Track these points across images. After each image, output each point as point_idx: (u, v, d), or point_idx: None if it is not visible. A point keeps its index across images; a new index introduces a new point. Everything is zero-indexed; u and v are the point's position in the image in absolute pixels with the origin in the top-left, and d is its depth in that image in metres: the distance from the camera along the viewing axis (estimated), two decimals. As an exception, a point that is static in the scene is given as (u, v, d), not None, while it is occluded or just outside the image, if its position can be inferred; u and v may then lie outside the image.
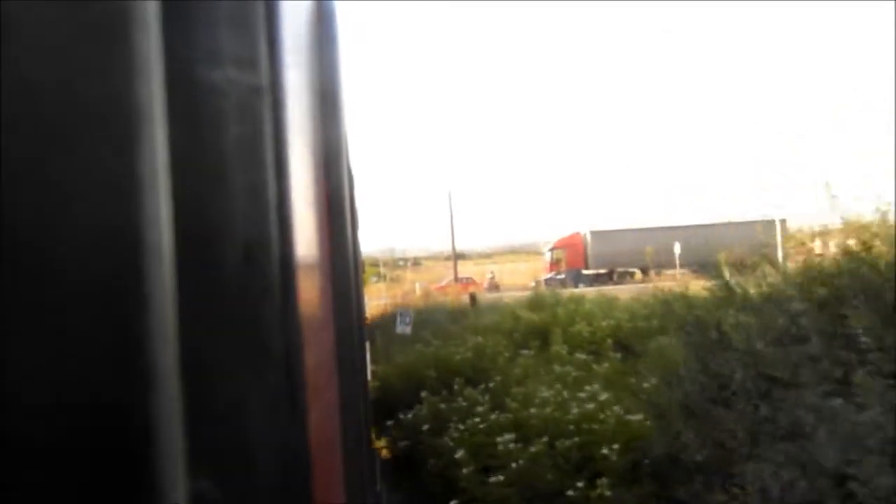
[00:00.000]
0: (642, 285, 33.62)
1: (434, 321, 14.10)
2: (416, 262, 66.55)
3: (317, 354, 0.79)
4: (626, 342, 9.52)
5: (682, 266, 39.33)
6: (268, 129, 0.46)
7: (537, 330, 11.56)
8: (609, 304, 14.29)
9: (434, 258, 77.30)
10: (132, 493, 0.31)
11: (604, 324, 11.15)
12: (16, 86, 0.29)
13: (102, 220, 0.31)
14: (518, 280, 47.63)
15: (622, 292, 21.50)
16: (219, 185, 0.42)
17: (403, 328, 10.57)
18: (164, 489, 0.32)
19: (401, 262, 58.79)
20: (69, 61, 0.30)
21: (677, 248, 34.95)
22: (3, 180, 0.29)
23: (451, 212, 26.44)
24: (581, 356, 7.78)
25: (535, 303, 16.89)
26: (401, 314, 10.54)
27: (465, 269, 59.91)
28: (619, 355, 7.85)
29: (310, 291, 0.74)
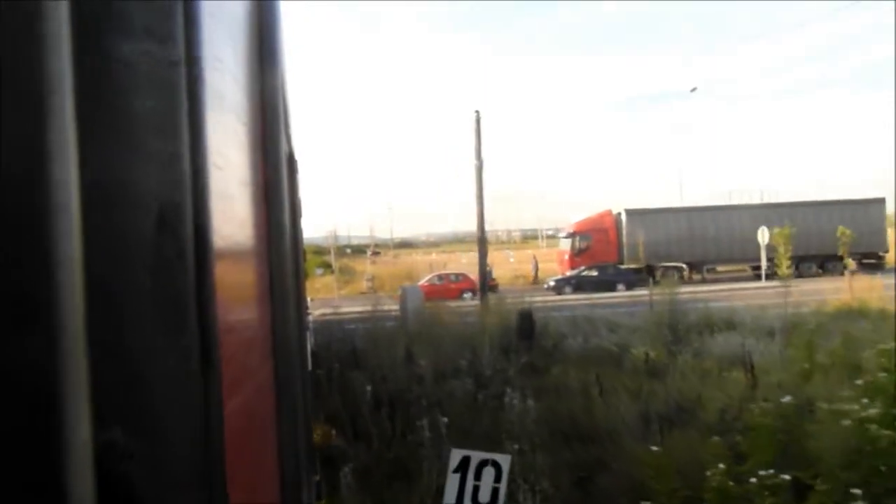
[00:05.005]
0: (726, 287, 23.76)
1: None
2: (376, 252, 58.59)
3: (249, 337, 0.87)
4: None
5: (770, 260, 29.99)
6: (183, 101, 0.50)
7: None
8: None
9: (384, 246, 71.16)
10: (40, 440, 0.36)
11: None
12: None
13: (10, 180, 0.35)
14: (510, 275, 38.62)
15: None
16: (132, 153, 0.47)
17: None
18: (69, 440, 0.37)
19: (348, 250, 50.81)
20: None
21: (763, 235, 26.09)
22: None
23: (480, 181, 16.24)
24: None
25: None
26: None
27: (417, 259, 51.82)
28: None
29: (242, 278, 0.82)
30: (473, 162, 20.96)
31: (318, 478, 4.41)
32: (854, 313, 14.64)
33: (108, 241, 0.45)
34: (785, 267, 11.07)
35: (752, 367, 7.93)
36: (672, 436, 6.64)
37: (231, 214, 0.74)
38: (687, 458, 5.86)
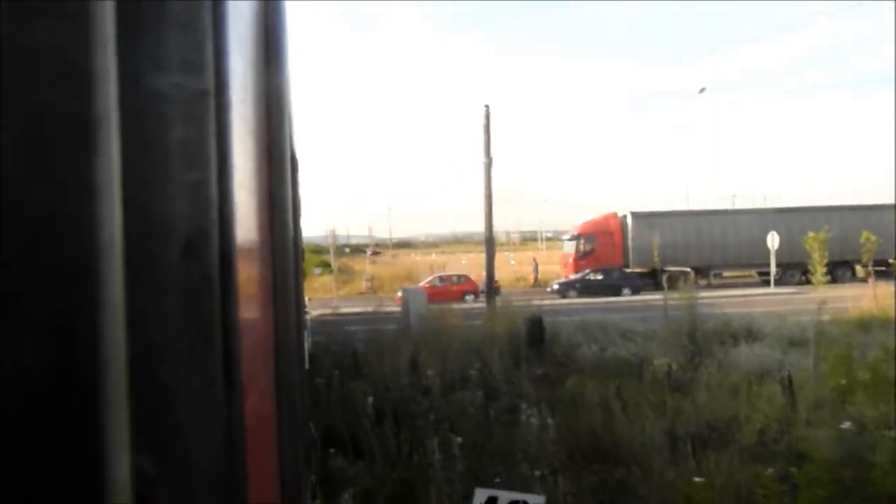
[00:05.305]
0: (737, 293, 23.31)
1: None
2: (377, 252, 59.16)
3: (254, 339, 0.89)
4: None
5: (789, 265, 29.87)
6: (211, 130, 0.53)
7: None
8: None
9: (382, 246, 72.60)
10: (80, 468, 0.37)
11: None
12: None
13: (60, 218, 0.37)
14: (511, 277, 38.16)
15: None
16: (163, 183, 0.50)
17: None
18: (110, 466, 0.37)
19: (347, 250, 51.26)
20: (35, 74, 0.37)
21: (773, 240, 25.86)
22: None
23: (489, 179, 15.61)
24: None
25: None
26: None
27: (416, 260, 52.14)
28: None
29: (248, 281, 0.84)
30: (482, 159, 20.41)
31: (313, 477, 4.42)
32: (880, 323, 14.31)
33: (138, 268, 0.47)
34: (820, 274, 10.53)
35: (791, 383, 7.35)
36: (707, 459, 6.03)
37: (246, 231, 0.77)
38: (730, 489, 5.25)
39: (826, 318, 14.15)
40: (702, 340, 12.36)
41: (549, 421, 7.28)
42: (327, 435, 7.37)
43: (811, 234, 11.00)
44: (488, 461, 6.66)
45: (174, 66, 0.49)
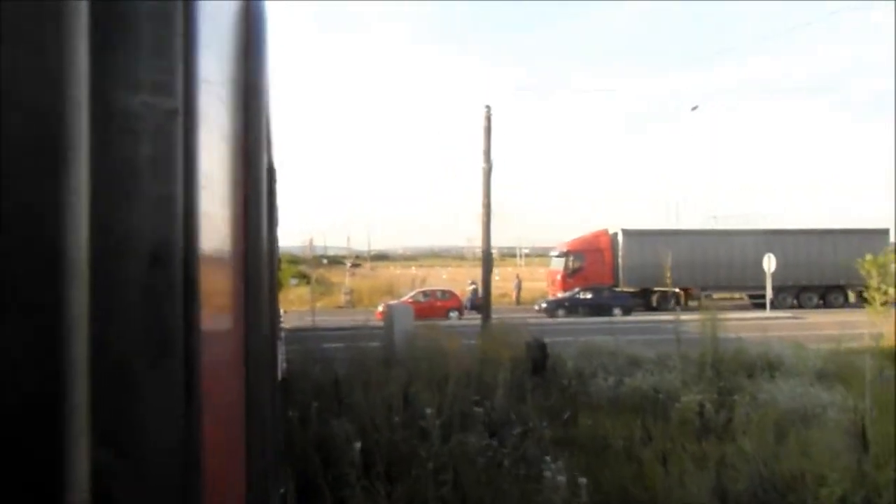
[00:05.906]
0: (736, 316, 21.99)
1: None
2: (357, 264, 57.90)
3: (221, 349, 0.91)
4: None
5: (781, 288, 29.06)
6: (179, 148, 0.57)
7: None
8: None
9: (362, 258, 72.56)
10: (44, 464, 0.40)
11: None
12: None
13: (29, 238, 0.40)
14: (494, 293, 36.50)
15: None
16: (131, 198, 0.53)
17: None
18: (69, 460, 0.41)
19: (324, 261, 50.01)
20: (9, 98, 0.39)
21: (770, 262, 25.18)
22: None
23: (487, 185, 14.29)
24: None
25: None
26: None
27: (396, 273, 51.01)
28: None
29: (217, 290, 0.85)
30: (482, 165, 19.18)
31: (283, 490, 4.21)
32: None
33: (107, 277, 0.49)
34: (879, 303, 9.49)
35: (865, 434, 6.24)
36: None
37: (214, 243, 0.78)
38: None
39: (843, 346, 13.15)
40: (726, 372, 11.05)
41: (566, 469, 6.12)
42: (303, 487, 6.14)
43: (868, 256, 10.02)
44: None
45: (145, 87, 0.53)
